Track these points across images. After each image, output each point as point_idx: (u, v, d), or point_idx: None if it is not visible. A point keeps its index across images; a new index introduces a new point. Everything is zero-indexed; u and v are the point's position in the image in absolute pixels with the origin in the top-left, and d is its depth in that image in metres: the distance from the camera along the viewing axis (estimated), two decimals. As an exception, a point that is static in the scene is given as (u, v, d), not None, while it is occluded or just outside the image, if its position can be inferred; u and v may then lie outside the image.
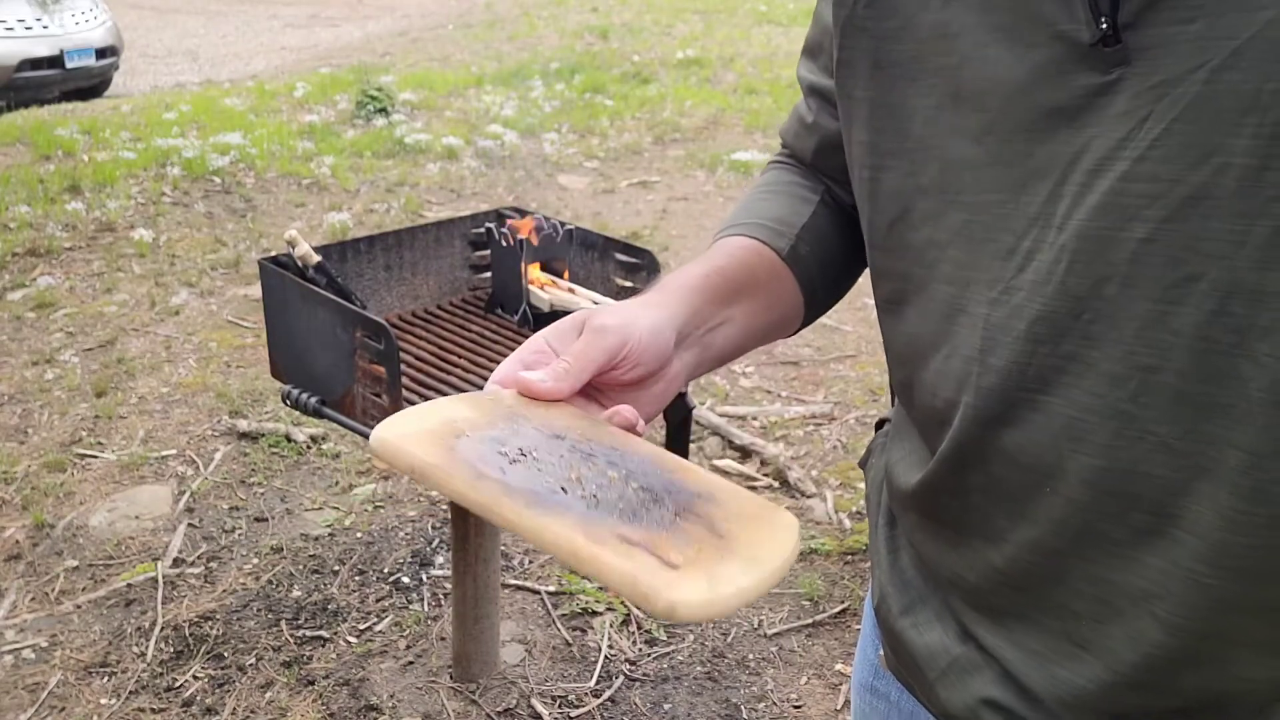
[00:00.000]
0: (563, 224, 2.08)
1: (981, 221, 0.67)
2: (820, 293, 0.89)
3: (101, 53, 8.04)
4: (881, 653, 0.88)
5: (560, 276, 2.09)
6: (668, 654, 2.38)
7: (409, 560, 2.68)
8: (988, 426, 0.67)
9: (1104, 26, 0.59)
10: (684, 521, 0.64)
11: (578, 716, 2.20)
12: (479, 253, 2.21)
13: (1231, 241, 0.58)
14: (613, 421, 0.73)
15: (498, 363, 1.91)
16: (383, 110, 6.95)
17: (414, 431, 0.67)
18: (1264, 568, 0.60)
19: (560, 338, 0.75)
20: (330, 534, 2.79)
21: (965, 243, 0.67)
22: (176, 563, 2.66)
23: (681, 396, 1.97)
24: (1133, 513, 0.63)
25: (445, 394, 1.79)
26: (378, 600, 2.54)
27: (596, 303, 2.00)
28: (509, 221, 2.09)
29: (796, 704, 2.24)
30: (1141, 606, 0.65)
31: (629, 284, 2.02)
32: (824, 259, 0.88)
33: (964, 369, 0.68)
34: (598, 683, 2.29)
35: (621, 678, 2.30)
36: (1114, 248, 0.61)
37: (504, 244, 2.05)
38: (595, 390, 0.76)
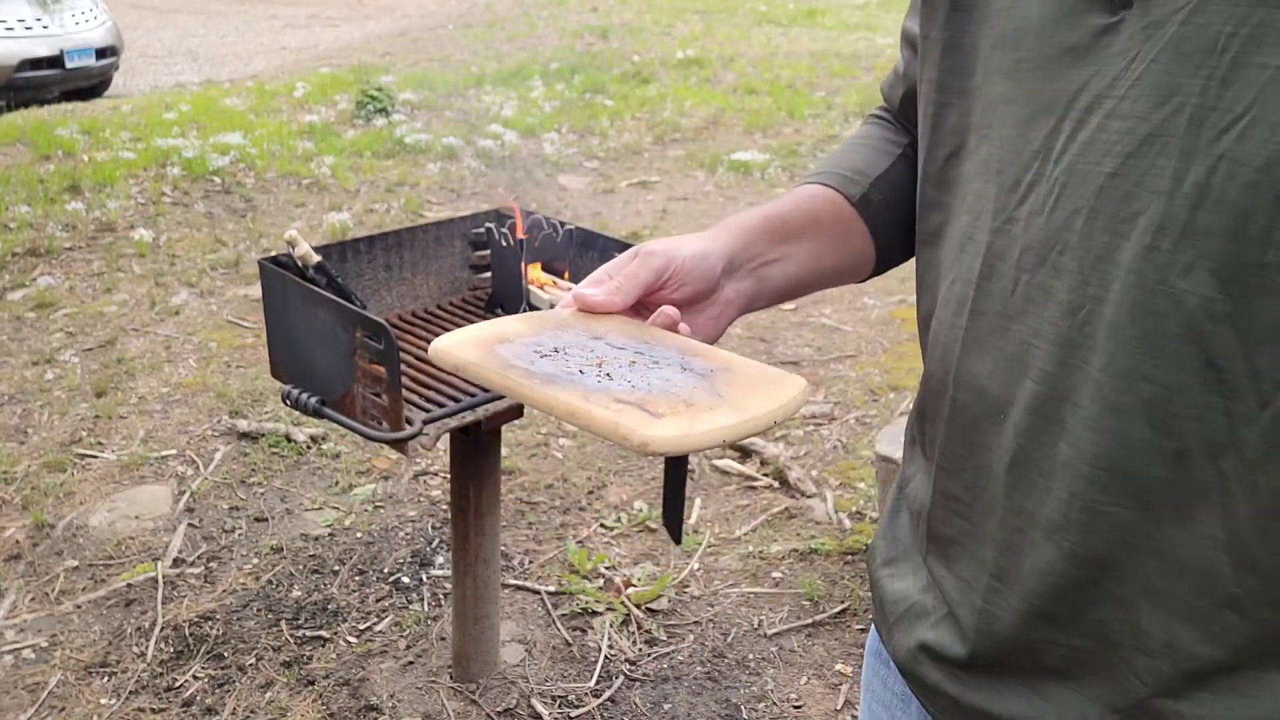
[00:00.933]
0: (563, 224, 2.08)
1: (999, 154, 0.71)
2: (893, 241, 0.93)
3: (101, 53, 8.04)
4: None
5: (560, 276, 2.09)
6: (668, 654, 2.38)
7: (409, 560, 2.68)
8: (967, 351, 0.72)
9: None
10: (687, 387, 0.73)
11: (578, 716, 2.20)
12: (479, 253, 2.21)
13: (1172, 179, 0.61)
14: (655, 322, 0.82)
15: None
16: (383, 110, 6.95)
17: (465, 340, 0.80)
18: (1158, 502, 0.63)
19: (617, 266, 0.85)
20: (330, 534, 2.79)
21: (985, 175, 0.72)
22: (176, 563, 2.66)
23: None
24: (1059, 443, 0.66)
25: (445, 393, 1.79)
26: (378, 600, 2.54)
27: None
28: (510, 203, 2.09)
29: (796, 704, 2.24)
30: (1052, 538, 0.68)
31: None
32: (898, 209, 0.91)
33: (963, 293, 0.72)
34: (598, 683, 2.29)
35: (621, 678, 2.30)
36: (1087, 182, 0.64)
37: (504, 244, 2.05)
38: (649, 310, 0.84)
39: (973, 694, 0.77)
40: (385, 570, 2.65)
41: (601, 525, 2.85)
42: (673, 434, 0.67)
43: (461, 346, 0.80)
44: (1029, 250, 0.67)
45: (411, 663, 2.33)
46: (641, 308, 0.84)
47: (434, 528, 2.82)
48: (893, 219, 0.92)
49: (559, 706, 2.22)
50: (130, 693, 2.23)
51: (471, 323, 2.08)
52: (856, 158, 0.96)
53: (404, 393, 1.67)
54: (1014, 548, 0.70)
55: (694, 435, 0.67)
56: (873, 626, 0.95)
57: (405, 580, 2.61)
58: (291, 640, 2.39)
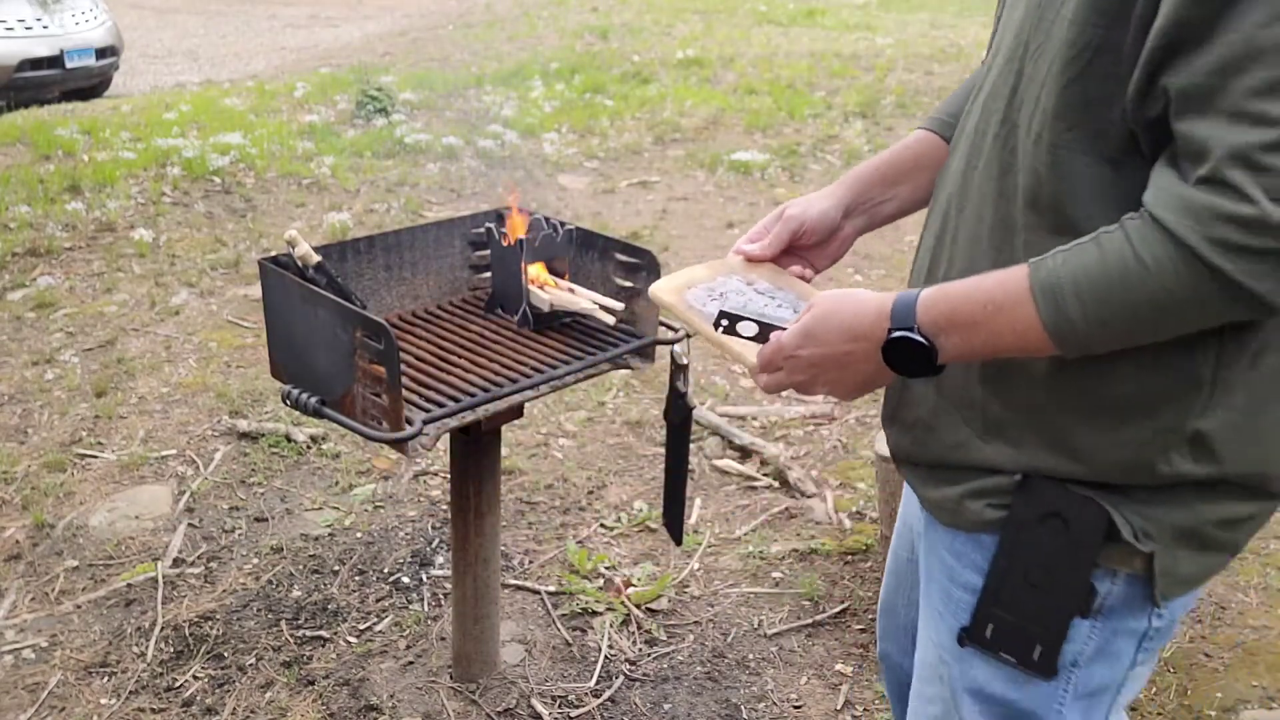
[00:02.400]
0: (563, 224, 2.08)
1: (989, 45, 1.15)
2: None
3: (101, 53, 8.03)
4: None
5: (560, 276, 2.09)
6: (668, 654, 2.38)
7: (409, 560, 2.68)
8: (941, 169, 1.17)
9: None
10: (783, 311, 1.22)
11: (578, 716, 2.20)
12: (479, 253, 2.20)
13: (1029, 80, 1.00)
14: (791, 272, 1.28)
15: (498, 362, 1.94)
16: (383, 110, 6.95)
17: (667, 286, 1.25)
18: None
19: (768, 224, 1.29)
20: (330, 534, 2.79)
21: (983, 64, 1.15)
22: (176, 563, 2.66)
23: (681, 397, 1.97)
24: (956, 188, 1.11)
25: (445, 393, 1.79)
26: (378, 600, 2.54)
27: (596, 303, 2.00)
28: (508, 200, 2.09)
29: (796, 704, 2.24)
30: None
31: (629, 284, 2.02)
32: None
33: (957, 136, 1.15)
34: (598, 683, 2.29)
35: (621, 678, 2.30)
36: (996, 72, 1.07)
37: (504, 244, 2.05)
38: (793, 250, 1.30)
39: (885, 442, 1.23)
40: (385, 570, 2.65)
41: (601, 525, 2.85)
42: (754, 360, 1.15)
43: (665, 290, 1.25)
44: (979, 119, 1.09)
45: (411, 663, 2.33)
46: (785, 252, 1.29)
47: (434, 528, 2.82)
48: None
49: (559, 706, 2.22)
50: (130, 693, 2.23)
51: (471, 322, 2.08)
52: (954, 101, 1.29)
53: (404, 393, 1.67)
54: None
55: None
56: None
57: (405, 580, 2.61)
58: (291, 640, 2.39)
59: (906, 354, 1.00)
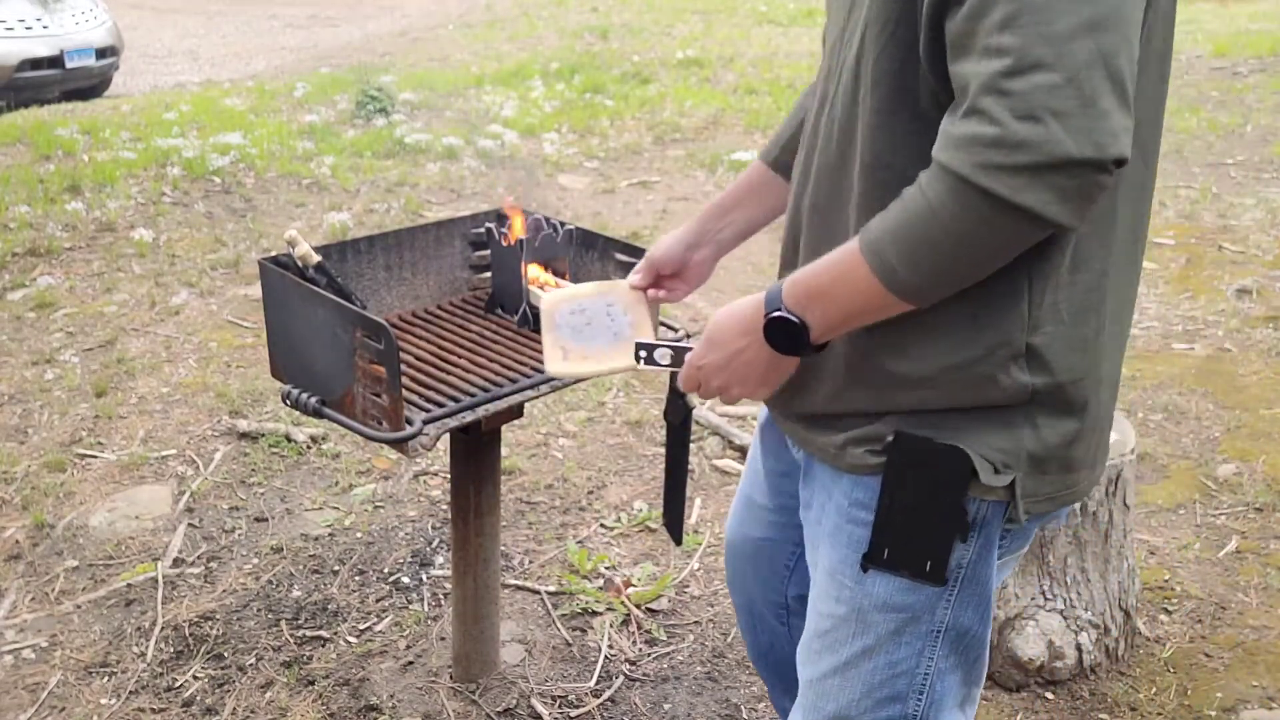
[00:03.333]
0: (563, 224, 2.08)
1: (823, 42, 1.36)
2: None
3: (101, 53, 8.03)
4: None
5: (560, 276, 2.09)
6: (668, 654, 2.38)
7: (409, 560, 2.68)
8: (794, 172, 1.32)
9: None
10: (606, 345, 1.43)
11: (578, 716, 2.20)
12: (479, 253, 2.20)
13: (850, 59, 1.15)
14: (655, 298, 1.52)
15: (498, 363, 1.94)
16: (383, 110, 6.95)
17: (555, 298, 1.45)
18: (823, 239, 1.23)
19: (645, 259, 1.53)
20: (330, 534, 2.79)
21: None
22: (176, 563, 2.66)
23: (681, 397, 1.96)
24: (798, 189, 1.28)
25: (445, 393, 1.79)
26: (378, 600, 2.54)
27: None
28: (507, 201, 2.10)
29: (796, 704, 2.24)
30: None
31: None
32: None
33: (802, 138, 1.31)
34: (598, 683, 2.29)
35: (621, 678, 2.30)
36: (824, 60, 1.25)
37: (504, 244, 2.05)
38: (661, 281, 1.53)
39: None
40: (385, 570, 2.65)
41: (601, 525, 2.85)
42: (551, 368, 1.42)
43: (548, 302, 1.43)
44: (830, 67, 1.24)
45: (411, 663, 2.33)
46: (659, 277, 1.53)
47: (434, 528, 2.82)
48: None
49: (559, 706, 2.22)
50: (130, 693, 2.23)
51: (471, 322, 2.09)
52: (781, 127, 1.51)
53: (404, 393, 1.67)
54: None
55: (555, 369, 1.43)
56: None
57: (405, 580, 2.61)
58: (291, 640, 2.39)
59: (782, 333, 1.13)
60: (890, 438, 1.18)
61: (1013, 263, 1.05)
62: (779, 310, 1.12)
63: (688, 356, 1.26)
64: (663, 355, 1.29)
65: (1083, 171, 0.94)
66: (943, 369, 1.13)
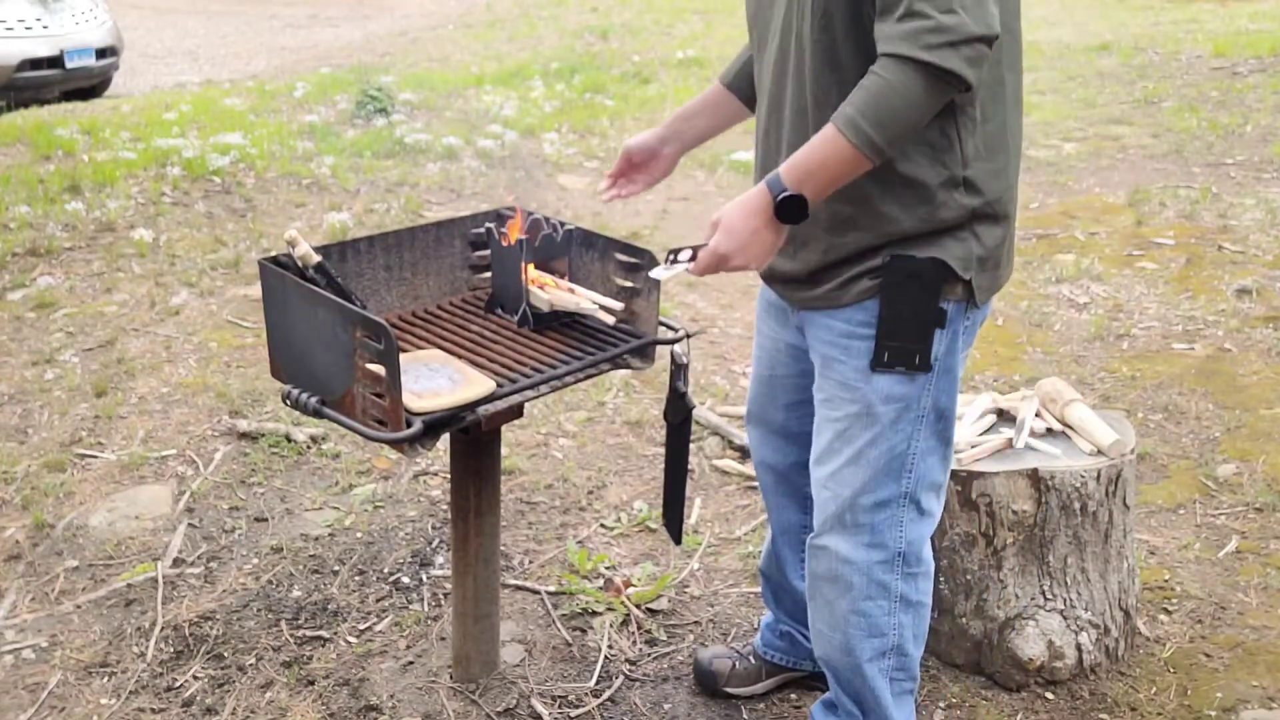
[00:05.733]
0: (563, 224, 2.08)
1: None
2: (750, 98, 1.92)
3: (101, 53, 8.03)
4: None
5: (560, 276, 2.09)
6: (668, 654, 2.38)
7: (409, 560, 2.68)
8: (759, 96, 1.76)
9: None
10: (444, 387, 1.75)
11: (578, 716, 2.20)
12: (479, 253, 2.21)
13: (801, 10, 1.57)
14: (626, 191, 2.03)
15: (497, 363, 1.93)
16: (383, 110, 6.95)
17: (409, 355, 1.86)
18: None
19: (624, 146, 2.00)
20: (330, 534, 2.79)
21: None
22: (176, 563, 2.66)
23: (681, 397, 1.97)
24: (771, 114, 1.70)
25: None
26: (378, 600, 2.54)
27: (596, 303, 2.00)
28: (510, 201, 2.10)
29: (797, 704, 2.24)
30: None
31: (629, 284, 2.02)
32: (750, 79, 1.89)
33: (762, 68, 1.73)
34: (598, 683, 2.29)
35: (621, 678, 2.30)
36: None
37: (504, 244, 2.05)
38: (632, 170, 2.01)
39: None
40: (385, 570, 2.65)
41: (601, 525, 2.85)
42: (415, 405, 1.65)
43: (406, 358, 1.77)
44: (775, 30, 1.67)
45: (411, 663, 2.33)
46: (627, 171, 2.00)
47: (434, 528, 2.82)
48: (746, 85, 1.91)
49: (559, 706, 2.22)
50: (130, 693, 2.23)
51: (471, 322, 2.09)
52: (736, 57, 1.94)
53: (404, 393, 1.67)
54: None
55: (419, 405, 1.66)
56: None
57: (405, 580, 2.61)
58: (291, 640, 2.39)
59: (791, 208, 1.48)
60: (887, 261, 1.59)
61: (945, 123, 1.53)
62: (785, 191, 1.47)
63: (703, 250, 1.55)
64: (685, 255, 1.59)
65: (979, 44, 1.40)
66: (913, 202, 1.57)
